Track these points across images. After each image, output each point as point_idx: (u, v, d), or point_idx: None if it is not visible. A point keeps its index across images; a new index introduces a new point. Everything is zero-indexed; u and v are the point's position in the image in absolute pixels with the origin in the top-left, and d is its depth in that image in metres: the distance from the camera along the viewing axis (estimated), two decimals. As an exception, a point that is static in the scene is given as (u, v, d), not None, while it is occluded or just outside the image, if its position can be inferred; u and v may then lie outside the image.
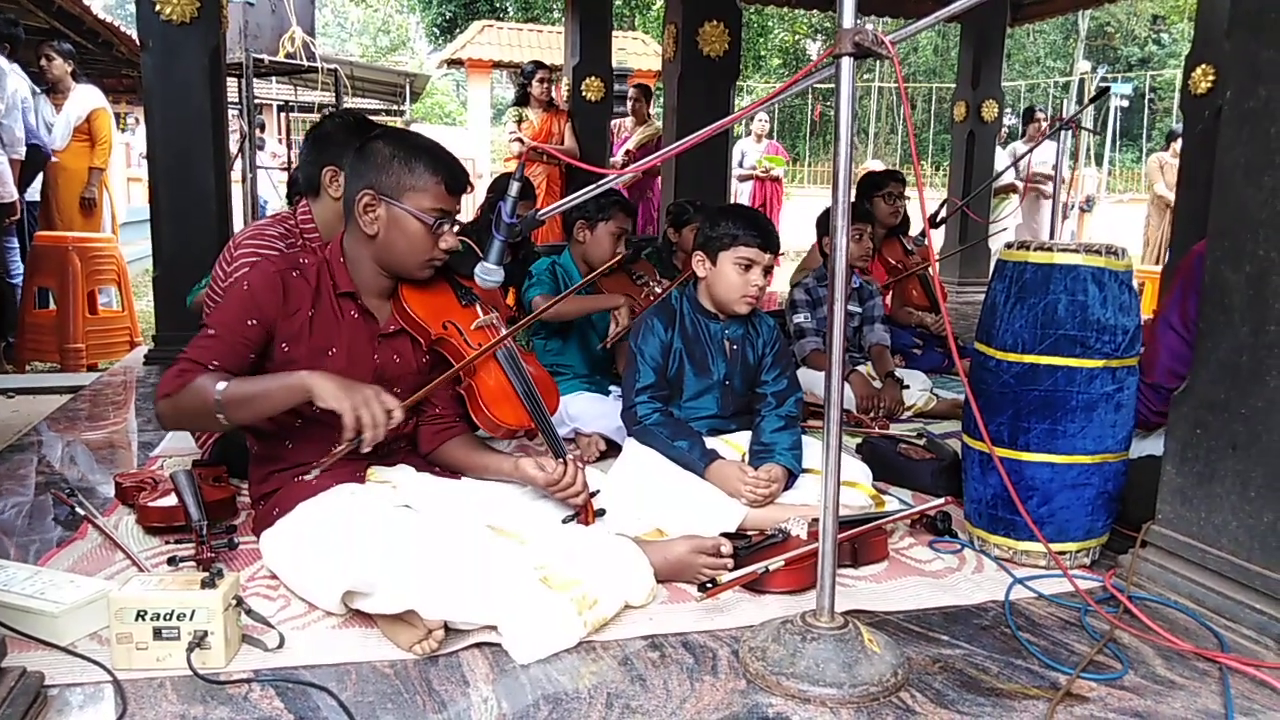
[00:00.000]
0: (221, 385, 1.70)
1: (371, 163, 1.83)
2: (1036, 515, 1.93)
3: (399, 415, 1.70)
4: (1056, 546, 1.95)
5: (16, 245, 5.03)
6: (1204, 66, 5.29)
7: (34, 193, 5.23)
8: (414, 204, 1.82)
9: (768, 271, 2.27)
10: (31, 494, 2.40)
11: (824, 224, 3.72)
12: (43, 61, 5.43)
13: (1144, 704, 1.47)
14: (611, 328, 2.95)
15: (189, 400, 1.73)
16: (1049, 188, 6.84)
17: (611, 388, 3.05)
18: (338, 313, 1.88)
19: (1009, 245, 2.04)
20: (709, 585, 1.72)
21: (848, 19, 1.41)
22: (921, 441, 2.74)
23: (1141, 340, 2.00)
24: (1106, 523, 2.03)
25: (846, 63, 1.42)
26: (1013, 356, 1.96)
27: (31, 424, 3.19)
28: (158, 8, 3.92)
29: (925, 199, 1.65)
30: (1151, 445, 2.20)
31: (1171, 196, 7.57)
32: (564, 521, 1.91)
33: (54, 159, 5.32)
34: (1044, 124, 7.62)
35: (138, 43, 4.16)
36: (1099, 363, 1.91)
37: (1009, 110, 8.33)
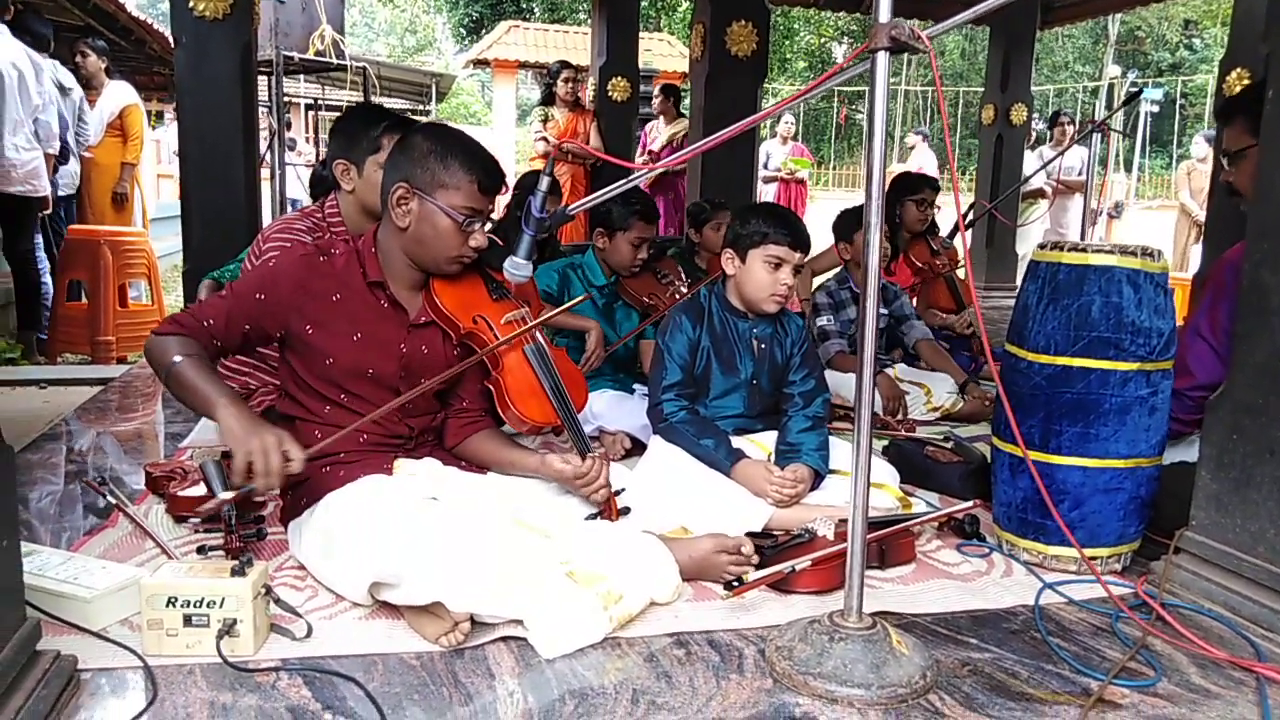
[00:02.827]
0: (179, 358, 1.74)
1: (409, 156, 1.84)
2: (1068, 519, 1.90)
3: (297, 467, 1.66)
4: (1088, 551, 1.93)
5: (40, 241, 5.09)
6: (1239, 70, 5.21)
7: (70, 187, 5.30)
8: (446, 201, 1.82)
9: (797, 270, 2.26)
10: (62, 483, 2.43)
11: (840, 228, 3.69)
12: (77, 58, 5.50)
13: (1178, 712, 1.44)
14: (587, 348, 2.91)
15: (157, 349, 1.77)
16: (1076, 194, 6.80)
17: (636, 385, 3.05)
18: (367, 301, 1.89)
19: (1042, 246, 2.02)
20: (735, 584, 1.72)
21: (884, 14, 1.40)
22: (949, 444, 2.72)
23: (1176, 344, 1.97)
24: (1139, 528, 2.00)
25: (882, 58, 1.41)
26: (1045, 358, 1.93)
27: (62, 414, 3.23)
28: (191, 4, 3.96)
29: (952, 203, 1.64)
30: (1184, 452, 2.17)
31: (1194, 206, 7.51)
32: (587, 519, 1.91)
33: (87, 154, 5.40)
34: (1069, 129, 7.55)
35: (170, 40, 4.21)
36: (1133, 365, 1.88)
37: (1037, 115, 8.27)
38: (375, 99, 8.74)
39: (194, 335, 1.79)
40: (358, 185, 2.37)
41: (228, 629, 1.47)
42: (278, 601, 1.59)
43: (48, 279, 5.03)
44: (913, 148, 10.36)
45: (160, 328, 1.82)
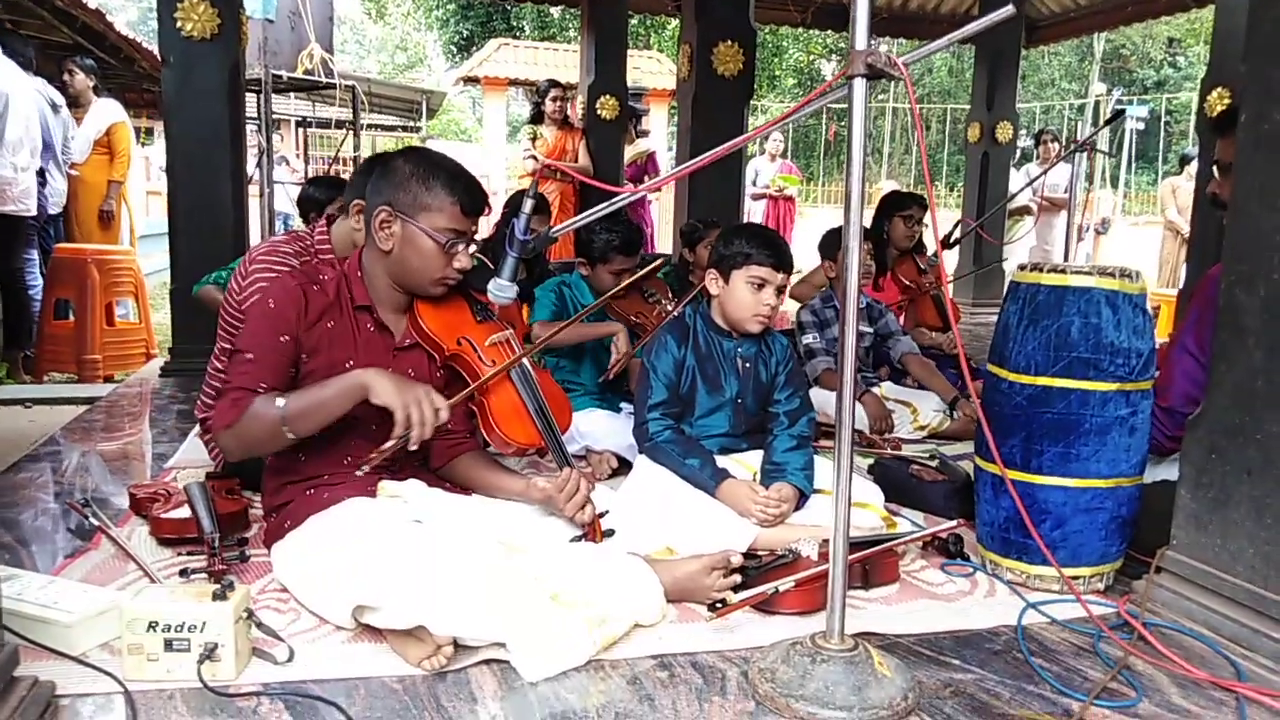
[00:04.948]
0: (281, 402, 1.74)
1: (391, 179, 1.85)
2: (1049, 539, 1.91)
3: (445, 415, 1.75)
4: (1070, 571, 1.94)
5: (36, 258, 5.08)
6: (1220, 90, 5.27)
7: (58, 206, 5.29)
8: (429, 223, 1.83)
9: (781, 291, 2.27)
10: (47, 504, 2.42)
11: (827, 247, 3.71)
12: (65, 77, 5.51)
13: (1158, 732, 1.45)
14: (612, 355, 2.94)
15: (252, 425, 1.75)
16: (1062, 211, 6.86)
17: (623, 405, 3.05)
18: (355, 325, 1.90)
19: (1022, 267, 2.04)
20: (719, 605, 1.72)
21: (860, 41, 1.42)
22: (934, 463, 2.73)
23: (1156, 363, 1.99)
24: (1121, 548, 2.01)
25: (860, 84, 1.43)
26: (1025, 379, 1.95)
27: (48, 434, 3.22)
28: (179, 24, 3.98)
29: (938, 220, 1.66)
30: (1165, 470, 2.19)
31: (1182, 222, 7.58)
32: (572, 541, 1.91)
33: (74, 172, 5.39)
34: (1053, 146, 7.63)
35: (159, 58, 4.22)
36: (1112, 386, 1.90)
37: (1023, 132, 8.34)
38: (365, 116, 8.76)
39: (263, 397, 1.76)
40: (360, 234, 2.34)
41: (209, 653, 1.46)
42: (259, 625, 1.59)
43: (39, 296, 5.02)
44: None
45: (226, 418, 1.76)
